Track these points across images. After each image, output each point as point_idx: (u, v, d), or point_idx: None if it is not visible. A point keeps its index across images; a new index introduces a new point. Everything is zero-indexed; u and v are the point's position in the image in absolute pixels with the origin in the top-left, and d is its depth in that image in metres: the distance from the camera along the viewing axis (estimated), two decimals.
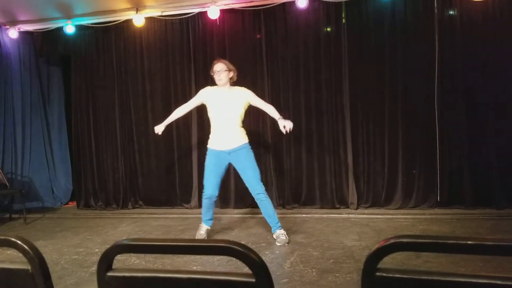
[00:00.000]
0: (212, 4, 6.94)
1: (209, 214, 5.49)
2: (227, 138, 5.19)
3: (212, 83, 5.44)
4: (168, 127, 7.44)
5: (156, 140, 7.66)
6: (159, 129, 5.62)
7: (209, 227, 5.57)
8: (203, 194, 5.41)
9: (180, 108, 5.63)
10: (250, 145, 5.28)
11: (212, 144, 5.31)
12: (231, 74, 5.27)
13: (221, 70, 5.19)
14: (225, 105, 5.19)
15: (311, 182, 7.05)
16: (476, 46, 6.40)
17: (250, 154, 5.23)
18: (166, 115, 7.40)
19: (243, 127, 5.30)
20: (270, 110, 5.31)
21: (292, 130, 6.75)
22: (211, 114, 5.31)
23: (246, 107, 5.30)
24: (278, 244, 5.15)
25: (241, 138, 5.23)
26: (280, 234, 5.21)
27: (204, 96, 5.37)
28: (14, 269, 1.40)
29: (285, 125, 5.09)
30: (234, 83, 5.38)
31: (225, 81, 5.22)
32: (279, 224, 5.27)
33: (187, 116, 7.38)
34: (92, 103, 7.90)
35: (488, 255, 1.14)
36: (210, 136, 5.36)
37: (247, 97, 5.26)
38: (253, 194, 5.27)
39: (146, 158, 7.76)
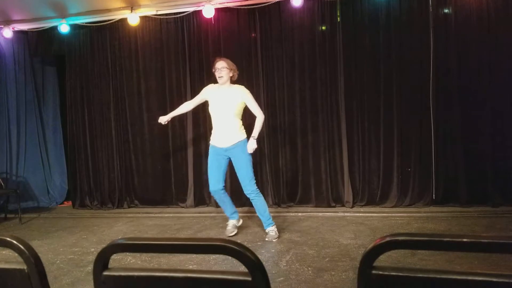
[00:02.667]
0: (207, 3, 6.93)
1: (229, 209, 5.63)
2: (224, 136, 5.34)
3: (212, 81, 5.61)
4: (164, 126, 7.50)
5: (152, 139, 7.66)
6: (163, 119, 5.73)
7: (235, 221, 5.70)
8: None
9: (185, 103, 5.83)
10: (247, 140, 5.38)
11: (213, 140, 5.48)
12: (231, 73, 5.39)
13: (222, 68, 5.32)
14: (223, 102, 5.31)
15: (306, 180, 7.06)
16: (471, 44, 6.41)
17: (246, 152, 5.30)
18: (162, 114, 7.42)
19: (241, 124, 5.41)
20: (256, 121, 5.40)
21: (288, 128, 6.84)
22: (210, 110, 5.47)
23: (244, 105, 5.39)
24: (266, 239, 5.33)
25: (238, 135, 5.32)
26: (270, 231, 5.40)
27: (206, 93, 5.54)
28: (10, 269, 1.40)
29: (248, 148, 5.28)
30: (234, 82, 5.51)
31: (225, 79, 5.34)
32: (270, 221, 5.44)
33: (182, 115, 7.39)
34: (87, 102, 7.88)
35: (483, 253, 1.14)
36: (212, 132, 5.51)
37: (243, 96, 5.34)
38: (245, 193, 5.43)
39: (141, 157, 7.74)
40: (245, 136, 5.38)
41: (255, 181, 5.38)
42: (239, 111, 5.35)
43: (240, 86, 5.46)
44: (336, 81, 6.85)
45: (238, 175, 5.43)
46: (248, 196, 5.42)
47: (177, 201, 7.57)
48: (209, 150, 5.52)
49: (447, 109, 6.53)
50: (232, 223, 5.65)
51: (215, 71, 5.38)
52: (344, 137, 6.85)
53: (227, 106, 5.29)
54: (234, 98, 5.30)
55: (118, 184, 7.79)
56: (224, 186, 5.51)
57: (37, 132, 8.42)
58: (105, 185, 7.87)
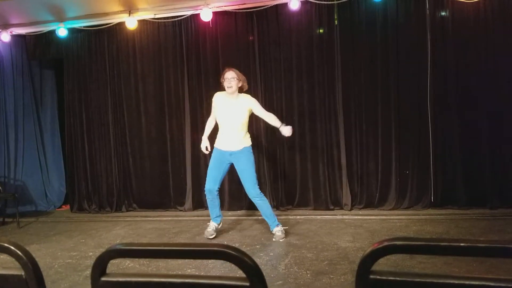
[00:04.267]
0: (205, 6, 6.93)
1: (215, 211, 5.72)
2: (230, 141, 5.52)
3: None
4: (162, 130, 7.52)
5: (149, 142, 7.65)
6: (204, 146, 5.78)
7: (217, 224, 5.78)
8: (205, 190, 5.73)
9: (209, 120, 5.86)
10: (252, 148, 5.61)
11: (218, 144, 5.64)
12: (241, 83, 5.55)
13: (232, 78, 5.47)
14: (232, 112, 5.49)
15: (304, 183, 7.05)
16: (468, 46, 6.43)
17: (249, 158, 5.53)
18: (159, 118, 7.44)
19: (247, 131, 5.63)
20: (271, 119, 5.63)
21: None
22: (218, 119, 5.62)
23: (250, 114, 5.59)
24: (274, 240, 5.50)
25: (244, 141, 5.54)
26: (276, 231, 5.55)
27: (214, 101, 5.67)
28: (7, 274, 1.40)
29: (285, 134, 5.54)
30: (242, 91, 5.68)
31: (234, 89, 5.48)
32: (276, 222, 5.60)
33: (180, 118, 7.40)
34: (85, 106, 7.86)
35: (480, 257, 1.14)
36: (217, 136, 5.67)
37: (251, 105, 5.54)
38: (249, 197, 5.60)
39: (139, 160, 7.73)
40: (250, 143, 5.61)
41: (258, 185, 5.54)
42: (246, 120, 5.55)
43: (246, 95, 5.64)
44: (334, 83, 6.86)
45: (241, 179, 5.60)
46: (252, 200, 5.58)
47: (176, 205, 7.55)
48: (213, 152, 5.67)
49: (445, 112, 6.54)
50: (214, 226, 5.75)
51: (224, 81, 5.51)
52: (342, 139, 6.85)
53: (236, 115, 5.48)
54: (243, 108, 5.50)
55: (116, 187, 7.78)
56: (219, 188, 5.66)
57: (35, 135, 8.40)
58: (103, 189, 7.85)
